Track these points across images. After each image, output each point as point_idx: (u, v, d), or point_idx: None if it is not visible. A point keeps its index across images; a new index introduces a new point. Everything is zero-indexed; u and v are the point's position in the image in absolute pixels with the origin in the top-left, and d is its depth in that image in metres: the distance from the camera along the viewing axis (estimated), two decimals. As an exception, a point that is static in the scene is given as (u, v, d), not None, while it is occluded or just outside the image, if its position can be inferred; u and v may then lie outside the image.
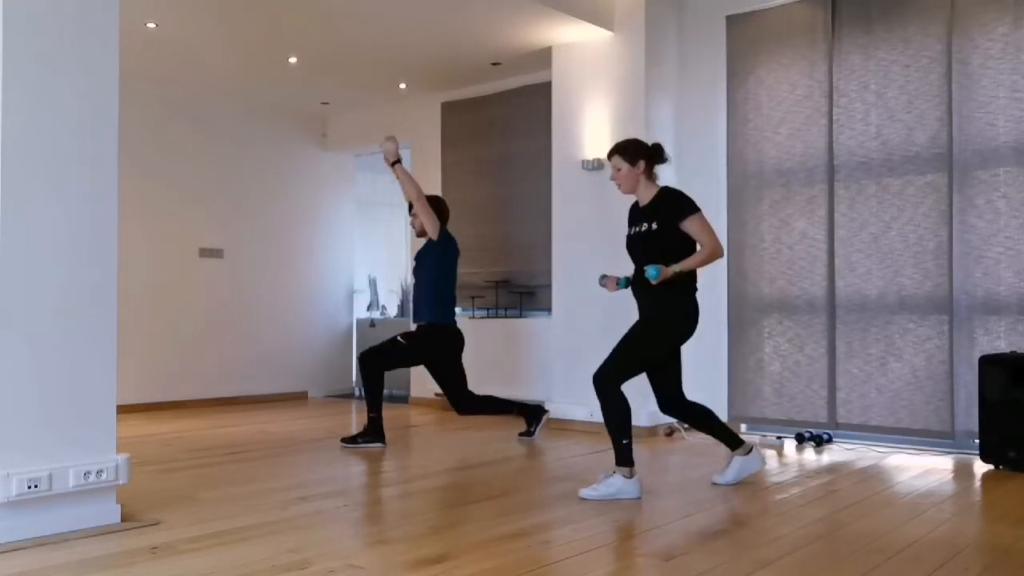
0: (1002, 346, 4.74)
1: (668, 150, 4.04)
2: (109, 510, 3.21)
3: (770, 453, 4.96)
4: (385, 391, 5.39)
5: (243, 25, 5.80)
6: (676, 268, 3.74)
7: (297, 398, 8.13)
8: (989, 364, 4.49)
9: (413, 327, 5.43)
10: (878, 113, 5.19)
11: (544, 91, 6.47)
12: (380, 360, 5.17)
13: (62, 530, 3.05)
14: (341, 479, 4.33)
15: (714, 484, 4.02)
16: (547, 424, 5.41)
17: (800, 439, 5.25)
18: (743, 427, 5.64)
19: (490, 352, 6.85)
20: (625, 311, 4.25)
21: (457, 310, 5.43)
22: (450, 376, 5.26)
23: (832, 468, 4.53)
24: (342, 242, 8.63)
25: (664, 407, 4.06)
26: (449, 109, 7.52)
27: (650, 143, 4.03)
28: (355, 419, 6.69)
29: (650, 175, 3.95)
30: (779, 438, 5.38)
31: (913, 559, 2.82)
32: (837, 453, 4.98)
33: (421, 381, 7.18)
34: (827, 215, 5.34)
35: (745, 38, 5.71)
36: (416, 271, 5.38)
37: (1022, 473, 4.32)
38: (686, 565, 2.75)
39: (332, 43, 6.17)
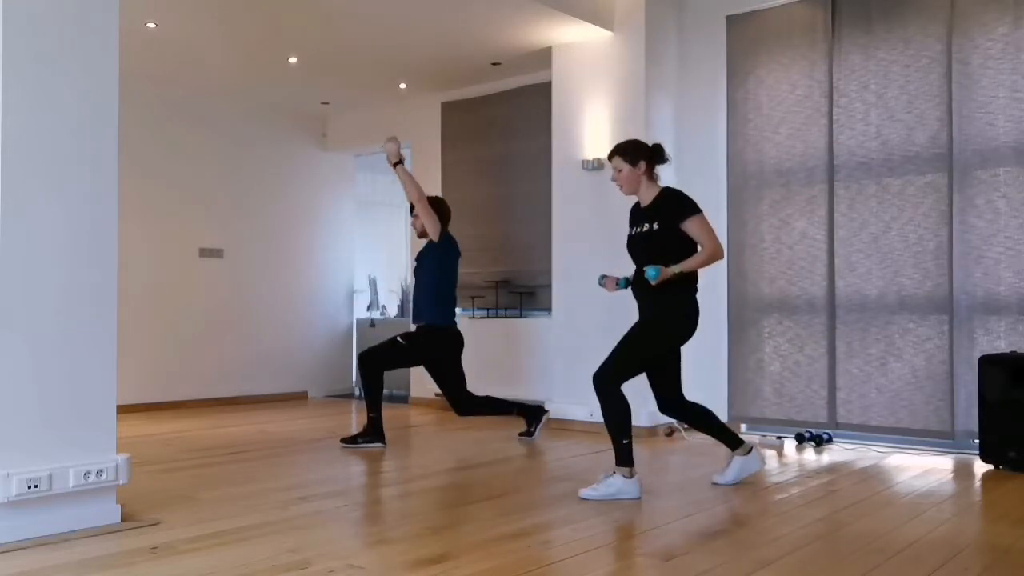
0: (1002, 346, 4.74)
1: (668, 150, 4.04)
2: (109, 510, 3.21)
3: (770, 453, 4.96)
4: (385, 391, 5.39)
5: (243, 25, 5.80)
6: (676, 269, 3.74)
7: (297, 398, 8.13)
8: (989, 364, 4.49)
9: (413, 328, 5.43)
10: (878, 113, 5.19)
11: (544, 91, 6.47)
12: (379, 360, 5.17)
13: (62, 530, 3.05)
14: (341, 479, 4.33)
15: (714, 484, 4.02)
16: (547, 424, 5.41)
17: (800, 439, 5.25)
18: (743, 427, 5.64)
19: (490, 352, 6.86)
20: (625, 311, 4.25)
21: (457, 311, 5.43)
22: (450, 377, 5.26)
23: (832, 468, 4.53)
24: (342, 242, 8.63)
25: (663, 408, 4.06)
26: (449, 109, 7.52)
27: (650, 143, 4.03)
28: (355, 419, 6.69)
29: (651, 175, 3.95)
30: (779, 438, 5.38)
31: (913, 559, 2.82)
32: (837, 453, 4.98)
33: (421, 381, 7.17)
34: (827, 215, 5.34)
35: (745, 38, 5.71)
36: (417, 272, 5.38)
37: (1022, 473, 4.32)
38: (686, 565, 2.75)
39: (332, 43, 6.17)
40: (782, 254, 5.52)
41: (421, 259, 5.34)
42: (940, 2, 4.98)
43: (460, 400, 5.26)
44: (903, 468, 4.53)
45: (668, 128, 5.81)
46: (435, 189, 7.04)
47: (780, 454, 4.99)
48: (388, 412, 5.52)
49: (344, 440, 5.21)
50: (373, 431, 5.13)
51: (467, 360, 5.39)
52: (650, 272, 3.69)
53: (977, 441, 4.63)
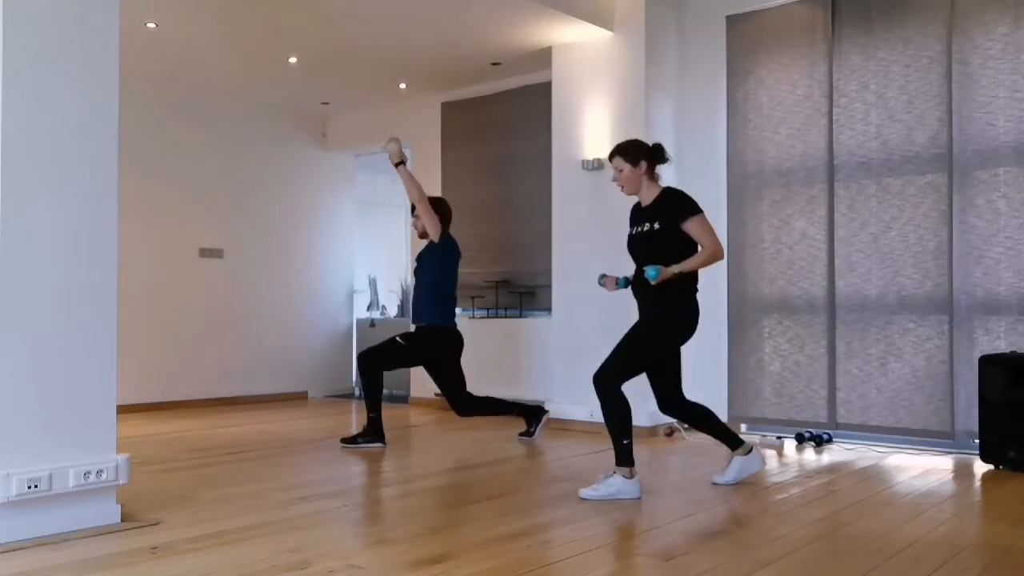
0: (1002, 346, 4.74)
1: (668, 150, 4.04)
2: (109, 510, 3.21)
3: (770, 453, 4.96)
4: (385, 391, 5.38)
5: (243, 25, 5.80)
6: (676, 269, 3.74)
7: (297, 398, 8.13)
8: (989, 364, 4.49)
9: (412, 328, 5.43)
10: (878, 113, 5.19)
11: (544, 91, 6.47)
12: (378, 361, 5.17)
13: (62, 530, 3.05)
14: (341, 479, 4.33)
15: (714, 484, 4.02)
16: (547, 424, 5.41)
17: (800, 439, 5.25)
18: (743, 427, 5.64)
19: (490, 352, 6.86)
20: (625, 311, 4.25)
21: (457, 311, 5.43)
22: (449, 378, 5.26)
23: (832, 468, 4.53)
24: (342, 242, 8.63)
25: (664, 407, 4.06)
26: (449, 109, 7.52)
27: (651, 143, 4.03)
28: (355, 419, 6.69)
29: (652, 175, 3.96)
30: (779, 438, 5.38)
31: (913, 559, 2.82)
32: (837, 453, 4.98)
33: (421, 381, 7.17)
34: (827, 215, 5.34)
35: (745, 38, 5.71)
36: (417, 272, 5.38)
37: (1022, 473, 4.32)
38: (686, 565, 2.75)
39: (332, 43, 6.17)
40: (782, 254, 5.52)
41: (421, 259, 5.34)
42: (940, 2, 4.98)
43: (460, 401, 5.26)
44: (903, 468, 4.53)
45: (668, 128, 5.81)
46: (435, 189, 7.04)
47: (780, 454, 4.99)
48: (388, 412, 5.52)
49: (344, 440, 5.21)
50: (373, 431, 5.13)
51: (467, 360, 5.39)
52: (650, 272, 3.69)
53: (977, 441, 4.63)
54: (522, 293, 6.89)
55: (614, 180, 4.00)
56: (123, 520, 3.23)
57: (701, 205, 3.89)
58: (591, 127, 5.95)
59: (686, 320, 3.87)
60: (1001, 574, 2.68)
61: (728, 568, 2.71)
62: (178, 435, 5.70)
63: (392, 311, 8.98)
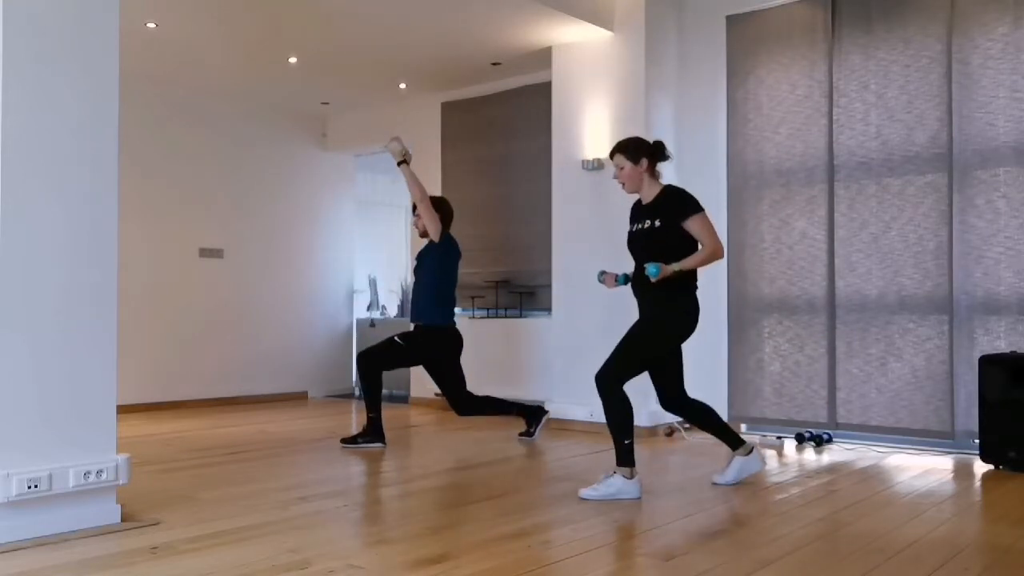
0: (1002, 346, 4.74)
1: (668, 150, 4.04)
2: (109, 510, 3.21)
3: (770, 453, 4.96)
4: (385, 391, 5.39)
5: (243, 25, 5.80)
6: (676, 267, 3.74)
7: (297, 398, 8.13)
8: (989, 364, 4.49)
9: (412, 327, 5.43)
10: (878, 113, 5.19)
11: (544, 91, 6.47)
12: (377, 361, 5.17)
13: (62, 530, 3.05)
14: (341, 479, 4.33)
15: (714, 484, 4.02)
16: (547, 424, 5.41)
17: (800, 439, 5.25)
18: (743, 427, 5.64)
19: (490, 352, 6.86)
20: (625, 310, 4.25)
21: (457, 310, 5.43)
22: (449, 377, 5.26)
23: (832, 468, 4.53)
24: (342, 242, 8.63)
25: (666, 405, 4.07)
26: (449, 109, 7.52)
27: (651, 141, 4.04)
28: (355, 419, 6.69)
29: (653, 173, 3.96)
30: (779, 438, 5.38)
31: (913, 559, 2.82)
32: (837, 453, 4.98)
33: (421, 381, 7.17)
34: (827, 215, 5.34)
35: (745, 38, 5.71)
36: (417, 271, 5.38)
37: (1022, 473, 4.32)
38: (686, 565, 2.75)
39: (332, 43, 6.17)
40: (782, 254, 5.52)
41: (421, 259, 5.34)
42: (940, 2, 4.98)
43: (460, 400, 5.27)
44: (903, 468, 4.53)
45: (668, 128, 5.81)
46: (435, 189, 7.04)
47: (780, 454, 4.99)
48: (388, 412, 5.52)
49: (344, 440, 5.21)
50: (373, 431, 5.13)
51: (467, 360, 5.39)
52: (651, 269, 3.69)
53: (977, 441, 4.63)
54: (522, 293, 6.89)
55: (615, 178, 4.00)
56: (123, 520, 3.23)
57: (701, 205, 3.89)
58: (591, 127, 5.95)
59: (686, 317, 3.87)
60: (1001, 574, 2.68)
61: (728, 568, 2.71)
62: (178, 435, 5.70)
63: (392, 311, 8.98)
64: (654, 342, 3.88)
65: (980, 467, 4.52)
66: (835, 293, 5.30)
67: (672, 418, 5.62)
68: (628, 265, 4.04)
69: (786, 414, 5.46)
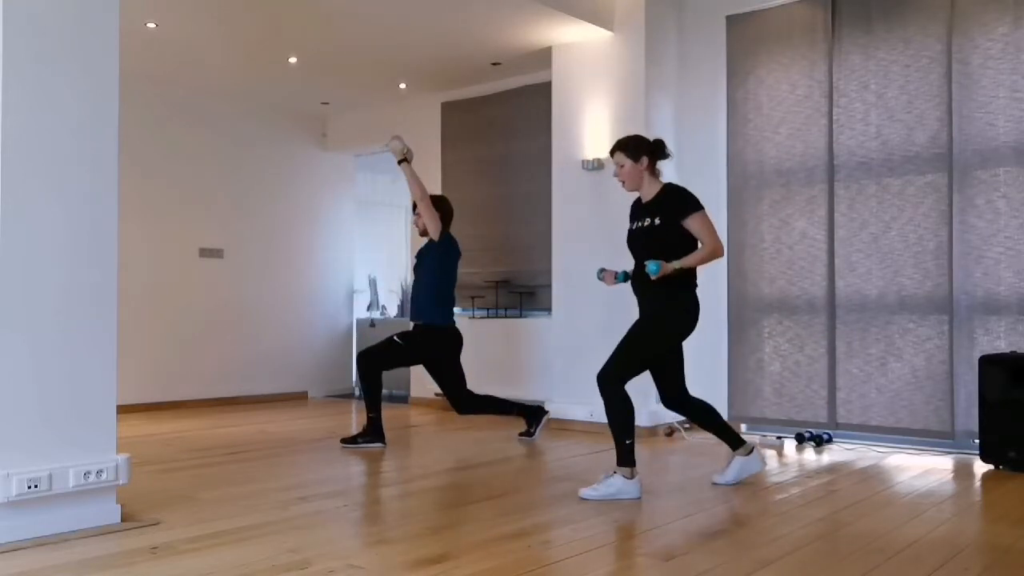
0: (1002, 346, 4.74)
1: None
2: (109, 510, 3.21)
3: (770, 453, 4.96)
4: (385, 391, 5.38)
5: (243, 25, 5.80)
6: (676, 265, 3.74)
7: (297, 398, 8.13)
8: (989, 364, 4.49)
9: (412, 327, 5.43)
10: (878, 113, 5.19)
11: (544, 91, 6.47)
12: (377, 360, 5.17)
13: (62, 530, 3.05)
14: (341, 479, 4.33)
15: (714, 484, 4.02)
16: (547, 424, 5.41)
17: (800, 439, 5.25)
18: (743, 427, 5.64)
19: (490, 352, 6.86)
20: (625, 310, 4.25)
21: (457, 310, 5.43)
22: (449, 376, 5.26)
23: (832, 468, 4.53)
24: (342, 242, 8.63)
25: (667, 403, 4.07)
26: (449, 109, 7.52)
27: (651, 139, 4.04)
28: (355, 419, 6.69)
29: (653, 171, 3.96)
30: (779, 438, 5.38)
31: (913, 559, 2.82)
32: (837, 453, 4.98)
33: (421, 381, 7.18)
34: (827, 215, 5.34)
35: (745, 38, 5.71)
36: (416, 270, 5.38)
37: (1022, 473, 4.32)
38: (686, 565, 2.75)
39: (332, 43, 6.17)
40: (782, 254, 5.52)
41: (421, 257, 5.35)
42: (940, 2, 4.98)
43: (460, 399, 5.27)
44: (903, 468, 4.53)
45: (668, 128, 5.81)
46: (435, 189, 7.03)
47: (780, 454, 4.99)
48: (388, 412, 5.52)
49: (344, 440, 5.21)
50: (373, 431, 5.13)
51: (467, 360, 5.39)
52: (651, 267, 3.69)
53: (977, 441, 4.63)
54: (522, 293, 6.89)
55: (615, 175, 4.01)
56: (123, 520, 3.23)
57: (701, 203, 3.89)
58: (591, 127, 5.95)
59: (686, 315, 3.87)
60: (1001, 574, 2.68)
61: (728, 568, 2.71)
62: (178, 435, 5.70)
63: (392, 311, 8.98)
64: (655, 340, 3.88)
65: (980, 467, 4.52)
66: (835, 293, 5.30)
67: (672, 418, 5.62)
68: (628, 265, 4.04)
69: (786, 414, 5.46)
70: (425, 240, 5.36)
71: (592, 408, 5.57)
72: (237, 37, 6.05)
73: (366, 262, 9.06)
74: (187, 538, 3.04)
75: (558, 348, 6.09)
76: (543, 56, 6.29)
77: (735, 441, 4.09)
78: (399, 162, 5.18)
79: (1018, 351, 4.60)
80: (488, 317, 7.06)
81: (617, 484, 3.69)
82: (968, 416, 4.81)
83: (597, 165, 5.85)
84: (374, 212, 9.51)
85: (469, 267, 6.91)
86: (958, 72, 4.91)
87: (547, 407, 5.61)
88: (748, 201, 5.66)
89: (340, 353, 8.56)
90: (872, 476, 4.31)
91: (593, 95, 5.96)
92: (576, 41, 6.03)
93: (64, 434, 3.09)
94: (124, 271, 3.72)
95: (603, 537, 3.12)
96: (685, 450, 5.09)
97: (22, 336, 2.99)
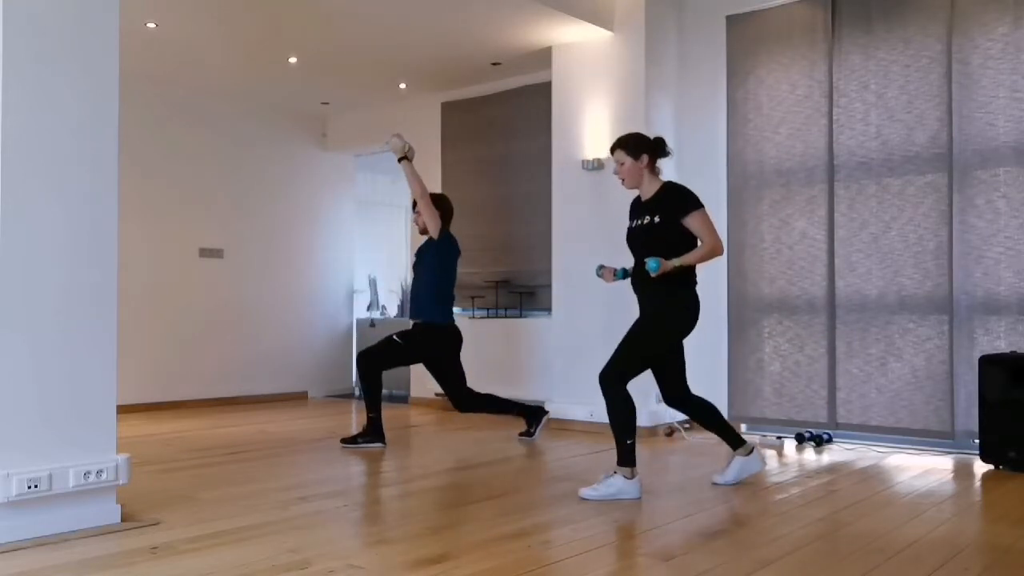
0: (1002, 346, 4.74)
1: (668, 149, 4.04)
2: (109, 510, 3.21)
3: (770, 453, 4.96)
4: (385, 391, 5.38)
5: (243, 25, 5.80)
6: (676, 262, 3.74)
7: (297, 398, 8.13)
8: (989, 364, 4.49)
9: (411, 325, 5.42)
10: (878, 113, 5.19)
11: (544, 91, 6.47)
12: (377, 360, 5.17)
13: (62, 530, 3.05)
14: (341, 479, 4.33)
15: (714, 484, 4.02)
16: (547, 424, 5.41)
17: (800, 439, 5.25)
18: (743, 427, 5.64)
19: (490, 352, 6.86)
20: (626, 309, 4.25)
21: (457, 310, 5.43)
22: (449, 375, 5.26)
23: (832, 468, 4.53)
24: (342, 242, 8.63)
25: (669, 401, 4.07)
26: (449, 109, 7.52)
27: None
28: (355, 419, 6.69)
29: (653, 169, 3.96)
30: (779, 438, 5.38)
31: (913, 559, 2.82)
32: (837, 453, 4.98)
33: (421, 381, 7.18)
34: (827, 215, 5.34)
35: (745, 38, 5.71)
36: (416, 267, 5.38)
37: (1022, 473, 4.32)
38: (686, 565, 2.75)
39: (332, 43, 6.17)
40: (782, 254, 5.52)
41: (421, 255, 5.35)
42: (940, 2, 4.98)
43: (460, 397, 5.27)
44: (903, 468, 4.53)
45: (668, 128, 5.81)
46: (435, 189, 7.02)
47: (780, 454, 4.99)
48: (388, 412, 5.52)
49: (344, 440, 5.21)
50: (373, 431, 5.13)
51: (467, 360, 5.39)
52: (651, 264, 3.69)
53: (977, 441, 4.63)
54: (522, 293, 6.89)
55: (615, 173, 4.01)
56: (123, 520, 3.23)
57: (701, 201, 3.89)
58: (591, 127, 5.95)
59: (686, 313, 3.87)
60: (1001, 574, 2.68)
61: (728, 568, 2.71)
62: (178, 435, 5.70)
63: (392, 311, 8.98)
64: (656, 339, 3.87)
65: (980, 467, 4.52)
66: (835, 293, 5.30)
67: (672, 418, 5.63)
68: (628, 263, 4.04)
69: (786, 414, 5.46)
70: (425, 238, 5.36)
71: (592, 408, 5.58)
72: (237, 37, 6.05)
73: (366, 262, 9.06)
74: (187, 538, 3.04)
75: (558, 348, 6.09)
76: (543, 56, 6.29)
77: (735, 441, 4.09)
78: (399, 160, 5.18)
79: (1018, 351, 4.60)
80: (488, 317, 7.06)
81: (617, 484, 3.69)
82: (968, 416, 4.81)
83: (597, 165, 5.85)
84: (374, 212, 9.51)
85: (469, 267, 6.92)
86: (958, 72, 4.91)
87: (547, 407, 5.61)
88: (748, 201, 5.66)
89: (340, 353, 8.56)
90: (872, 476, 4.31)
91: (593, 95, 5.96)
92: (576, 41, 6.03)
93: (64, 434, 3.09)
94: (124, 271, 3.72)
95: (603, 537, 3.12)
96: (685, 450, 5.09)
97: (22, 336, 2.99)
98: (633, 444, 3.74)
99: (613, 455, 3.79)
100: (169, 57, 6.45)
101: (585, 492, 3.71)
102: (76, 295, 3.14)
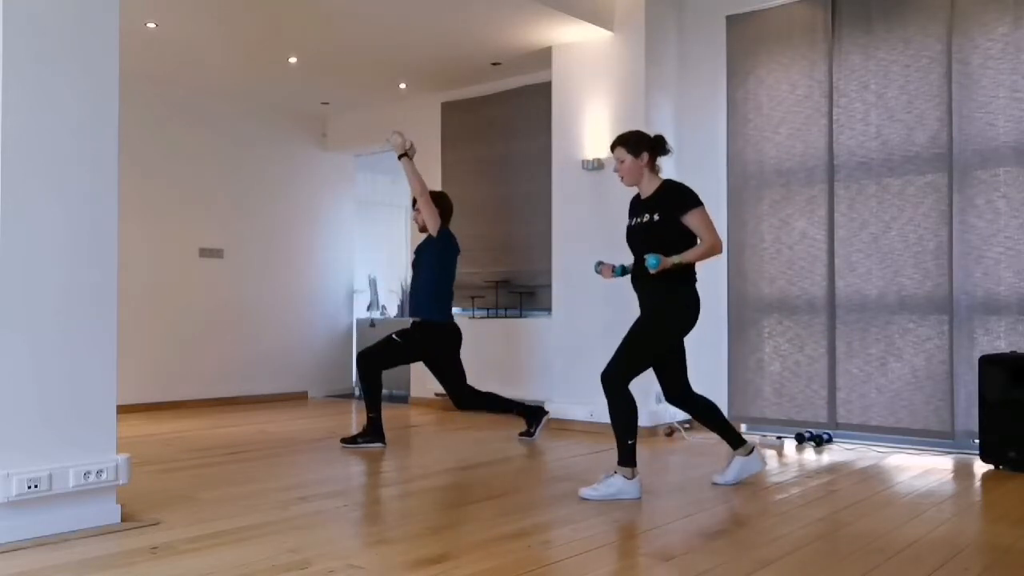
0: (1002, 346, 4.74)
1: (667, 148, 4.04)
2: (109, 510, 3.21)
3: (770, 453, 4.96)
4: (385, 391, 5.38)
5: (243, 25, 5.80)
6: (676, 259, 3.74)
7: (297, 398, 8.13)
8: (989, 364, 4.49)
9: (411, 323, 5.42)
10: (878, 113, 5.19)
11: (544, 91, 6.47)
12: (377, 360, 5.17)
13: (62, 530, 3.05)
14: (341, 479, 4.33)
15: (714, 484, 4.02)
16: (547, 424, 5.41)
17: (800, 439, 5.25)
18: (743, 427, 5.63)
19: (490, 352, 6.86)
20: (626, 309, 4.25)
21: (457, 310, 5.43)
22: (449, 372, 5.27)
23: (832, 468, 4.53)
24: (342, 242, 8.63)
25: (670, 399, 4.07)
26: (449, 109, 7.52)
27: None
28: (355, 419, 6.69)
29: (653, 167, 3.96)
30: (779, 438, 5.38)
31: (913, 559, 2.82)
32: (837, 453, 4.98)
33: (421, 381, 7.19)
34: (827, 215, 5.34)
35: (745, 38, 5.71)
36: (415, 265, 5.38)
37: (1022, 473, 4.32)
38: (686, 565, 2.75)
39: (332, 43, 6.17)
40: (782, 254, 5.52)
41: (420, 253, 5.35)
42: (940, 2, 4.98)
43: (460, 394, 5.28)
44: (903, 468, 4.53)
45: (668, 128, 5.81)
46: (435, 189, 7.03)
47: (780, 454, 4.99)
48: (388, 412, 5.52)
49: (344, 440, 5.21)
50: (373, 431, 5.13)
51: (467, 360, 5.39)
52: (650, 260, 3.69)
53: (977, 441, 4.63)
54: (522, 293, 6.89)
55: (615, 171, 4.01)
56: (123, 520, 3.23)
57: (700, 199, 3.89)
58: (591, 127, 5.95)
59: (686, 310, 3.87)
60: (1001, 574, 2.68)
61: (728, 568, 2.71)
62: (178, 435, 5.70)
63: (392, 311, 8.98)
64: (656, 337, 3.87)
65: (980, 467, 4.52)
66: (835, 293, 5.30)
67: (672, 418, 5.63)
68: (627, 261, 4.04)
69: (786, 414, 5.46)
70: (424, 236, 5.36)
71: (592, 408, 5.58)
72: (237, 37, 6.05)
73: (366, 262, 9.06)
74: (187, 538, 3.04)
75: (558, 348, 6.09)
76: (543, 56, 6.29)
77: (736, 440, 4.09)
78: (399, 157, 5.18)
79: (1018, 351, 4.60)
80: (488, 317, 7.06)
81: (617, 484, 3.69)
82: (968, 416, 4.81)
83: (597, 165, 5.85)
84: (374, 212, 9.51)
85: (469, 267, 6.92)
86: (958, 72, 4.91)
87: (547, 407, 5.61)
88: (748, 201, 5.66)
89: (340, 353, 8.56)
90: (872, 476, 4.31)
91: (593, 95, 5.96)
92: (576, 41, 6.03)
93: (64, 434, 3.09)
94: (124, 271, 3.72)
95: (603, 537, 3.12)
96: (685, 450, 5.09)
97: (22, 336, 2.99)
98: (634, 444, 3.74)
99: (613, 455, 3.79)
100: (169, 57, 6.45)
101: (585, 492, 3.71)
102: (76, 295, 3.14)
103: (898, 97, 5.12)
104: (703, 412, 4.07)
